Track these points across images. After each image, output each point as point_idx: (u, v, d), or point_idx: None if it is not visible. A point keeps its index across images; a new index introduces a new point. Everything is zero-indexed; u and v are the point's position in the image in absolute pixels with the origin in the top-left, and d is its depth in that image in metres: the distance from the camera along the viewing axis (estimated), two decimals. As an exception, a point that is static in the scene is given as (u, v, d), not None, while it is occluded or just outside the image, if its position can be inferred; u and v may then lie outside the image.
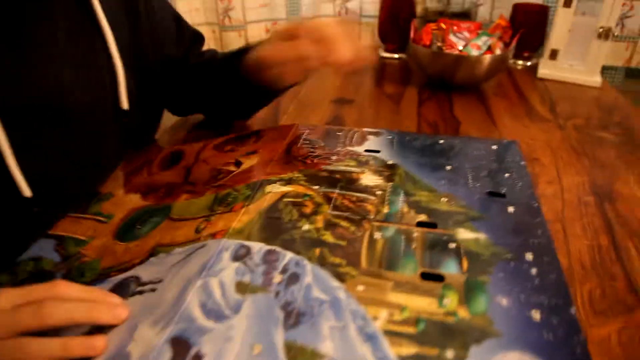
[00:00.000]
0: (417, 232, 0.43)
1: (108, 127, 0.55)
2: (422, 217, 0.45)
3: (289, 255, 0.40)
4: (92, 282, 0.41)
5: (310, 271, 0.38)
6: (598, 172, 0.59)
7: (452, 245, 0.41)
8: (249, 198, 0.47)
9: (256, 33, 1.26)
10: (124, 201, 0.54)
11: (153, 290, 0.38)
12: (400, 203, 0.47)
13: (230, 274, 0.38)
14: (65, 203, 0.52)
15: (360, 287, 0.36)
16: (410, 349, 0.32)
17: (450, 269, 0.38)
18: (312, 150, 0.57)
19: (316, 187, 0.49)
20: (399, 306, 0.35)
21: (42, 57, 0.46)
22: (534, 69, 1.00)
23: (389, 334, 0.33)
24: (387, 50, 1.14)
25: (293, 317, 0.34)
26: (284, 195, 0.48)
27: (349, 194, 0.48)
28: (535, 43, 1.03)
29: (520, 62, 1.04)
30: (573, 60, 0.94)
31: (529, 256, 0.40)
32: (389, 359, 0.31)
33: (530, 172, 0.55)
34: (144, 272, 0.41)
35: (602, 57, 0.89)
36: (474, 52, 0.88)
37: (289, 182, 0.50)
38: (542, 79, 0.95)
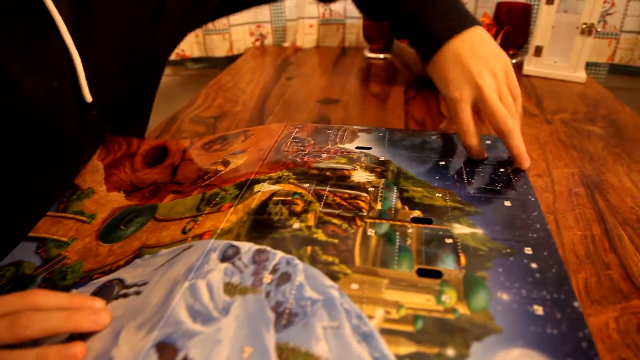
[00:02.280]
0: (411, 228, 0.41)
1: (70, 122, 0.49)
2: (417, 213, 0.43)
3: (279, 255, 0.38)
4: (74, 285, 0.40)
5: (301, 270, 0.36)
6: (587, 164, 0.59)
7: (449, 241, 0.40)
8: (237, 197, 0.46)
9: (240, 36, 1.25)
10: (107, 200, 0.51)
11: (138, 293, 0.36)
12: (394, 199, 0.45)
13: (218, 275, 0.36)
14: (29, 201, 0.48)
15: (355, 286, 0.35)
16: (408, 348, 0.30)
17: (448, 265, 0.37)
18: (301, 148, 0.56)
19: (306, 185, 0.47)
20: (395, 304, 0.33)
21: None
22: (519, 66, 1.00)
23: (386, 332, 0.31)
24: (372, 51, 1.14)
25: (285, 317, 0.32)
26: (274, 194, 0.46)
27: (341, 192, 0.46)
28: (519, 40, 1.03)
29: (505, 59, 1.05)
30: (557, 56, 0.94)
31: (528, 250, 0.38)
32: (387, 358, 0.30)
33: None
34: (128, 274, 0.39)
35: (586, 53, 0.89)
36: (460, 50, 0.88)
37: (278, 180, 0.48)
38: (527, 76, 0.96)
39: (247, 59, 1.16)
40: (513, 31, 1.00)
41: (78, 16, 0.47)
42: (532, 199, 0.45)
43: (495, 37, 0.95)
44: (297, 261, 0.37)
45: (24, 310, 0.32)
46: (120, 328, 0.33)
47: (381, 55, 1.12)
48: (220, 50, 1.23)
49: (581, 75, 0.91)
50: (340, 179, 0.49)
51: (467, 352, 0.30)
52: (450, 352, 0.30)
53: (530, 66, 0.95)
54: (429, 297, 0.34)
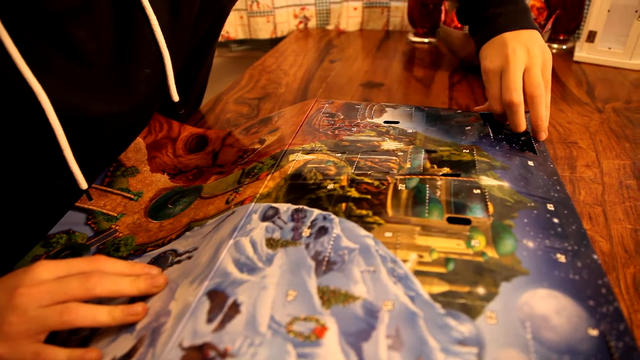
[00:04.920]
0: (440, 181, 0.45)
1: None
2: (445, 170, 0.47)
3: (316, 212, 0.42)
4: (128, 257, 0.44)
5: (338, 224, 0.40)
6: (640, 155, 0.59)
7: (477, 192, 0.43)
8: (273, 166, 0.50)
9: (284, 18, 1.29)
10: (151, 180, 0.56)
11: (190, 257, 0.41)
12: (422, 160, 0.49)
13: (260, 233, 0.40)
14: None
15: (388, 234, 0.39)
16: (441, 287, 0.34)
17: (476, 213, 0.40)
18: (332, 122, 0.60)
19: (338, 154, 0.51)
20: (427, 248, 0.37)
21: (86, 56, 0.45)
22: (570, 53, 1.00)
23: (420, 274, 0.35)
24: (416, 35, 1.15)
25: (324, 264, 0.36)
26: (308, 162, 0.50)
27: (371, 157, 0.50)
28: (571, 25, 1.03)
29: (555, 45, 1.04)
30: (612, 42, 0.93)
31: (550, 207, 0.42)
32: (421, 296, 0.33)
33: (567, 156, 0.58)
34: (180, 244, 0.44)
35: (644, 39, 0.88)
36: (508, 34, 0.89)
37: (311, 151, 0.53)
38: (578, 63, 0.95)
39: (290, 41, 1.20)
40: (565, 15, 1.00)
41: (172, 13, 0.53)
42: (552, 165, 0.50)
43: (546, 21, 0.94)
44: (333, 216, 0.41)
45: (92, 272, 0.36)
46: (175, 287, 0.37)
47: (426, 39, 1.14)
48: (264, 32, 1.28)
49: (637, 63, 0.90)
50: (371, 148, 0.53)
51: (497, 291, 0.33)
52: (480, 290, 0.33)
53: (582, 52, 0.95)
54: (459, 241, 0.38)
